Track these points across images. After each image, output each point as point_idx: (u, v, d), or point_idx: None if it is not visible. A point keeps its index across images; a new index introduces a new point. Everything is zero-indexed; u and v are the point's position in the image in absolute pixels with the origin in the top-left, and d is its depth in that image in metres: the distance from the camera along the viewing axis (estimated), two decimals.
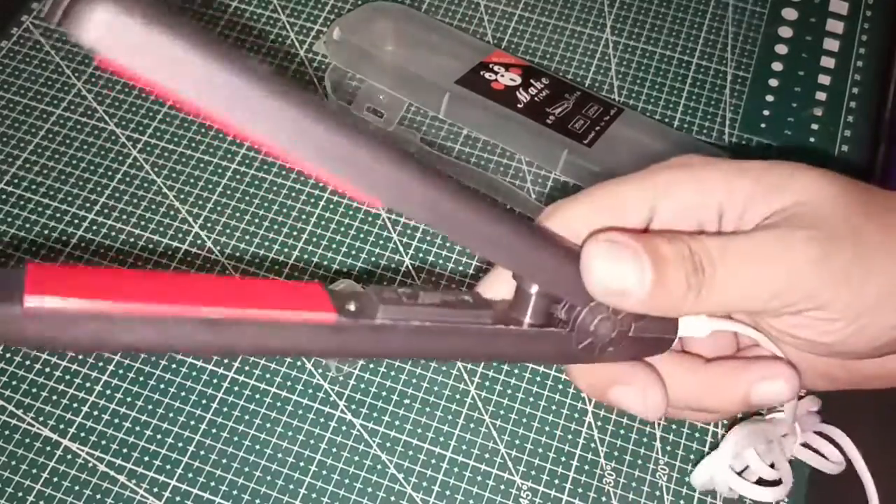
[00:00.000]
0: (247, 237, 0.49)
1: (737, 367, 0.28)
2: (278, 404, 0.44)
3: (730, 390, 0.28)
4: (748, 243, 0.25)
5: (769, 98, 0.55)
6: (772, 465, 0.37)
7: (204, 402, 0.44)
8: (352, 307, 0.23)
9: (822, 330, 0.26)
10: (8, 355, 0.45)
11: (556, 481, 0.42)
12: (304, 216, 0.50)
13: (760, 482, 0.37)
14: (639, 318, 0.27)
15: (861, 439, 0.41)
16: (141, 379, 0.44)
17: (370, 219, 0.50)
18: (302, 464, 0.42)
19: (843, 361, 0.29)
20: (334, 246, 0.49)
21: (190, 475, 0.42)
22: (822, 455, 0.40)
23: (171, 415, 0.44)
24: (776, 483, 0.37)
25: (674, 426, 0.44)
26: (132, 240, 0.49)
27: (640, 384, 0.27)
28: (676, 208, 0.27)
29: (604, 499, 0.42)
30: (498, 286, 0.28)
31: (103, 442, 0.43)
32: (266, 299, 0.22)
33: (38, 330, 0.19)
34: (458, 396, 0.44)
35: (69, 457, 0.42)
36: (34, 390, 0.44)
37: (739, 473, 0.37)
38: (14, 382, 0.44)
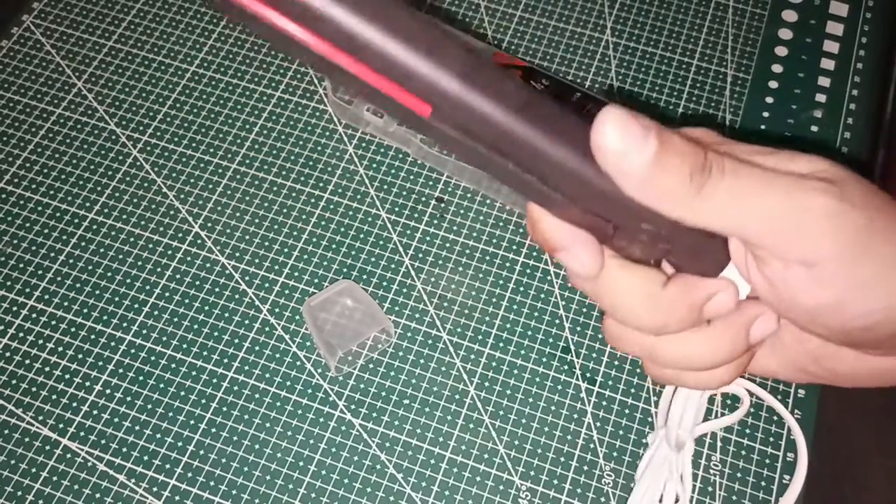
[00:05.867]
0: (247, 237, 0.49)
1: (689, 282, 0.28)
2: (278, 404, 0.44)
3: (685, 304, 0.28)
4: (767, 172, 0.25)
5: (769, 100, 0.55)
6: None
7: (204, 402, 0.44)
8: None
9: (807, 289, 0.25)
10: (8, 354, 0.45)
11: (556, 481, 0.42)
12: (304, 216, 0.50)
13: None
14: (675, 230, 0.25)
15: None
16: (141, 379, 0.44)
17: (370, 219, 0.50)
18: (302, 464, 0.42)
19: (815, 356, 0.28)
20: (334, 246, 0.49)
21: (190, 475, 0.42)
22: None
23: (171, 415, 0.44)
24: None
25: None
26: (132, 239, 0.49)
27: (580, 244, 0.26)
28: None
29: (603, 499, 0.42)
30: None
31: (103, 441, 0.43)
32: None
33: None
34: (458, 396, 0.44)
35: (69, 456, 0.42)
36: (34, 390, 0.44)
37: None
38: (14, 382, 0.44)
